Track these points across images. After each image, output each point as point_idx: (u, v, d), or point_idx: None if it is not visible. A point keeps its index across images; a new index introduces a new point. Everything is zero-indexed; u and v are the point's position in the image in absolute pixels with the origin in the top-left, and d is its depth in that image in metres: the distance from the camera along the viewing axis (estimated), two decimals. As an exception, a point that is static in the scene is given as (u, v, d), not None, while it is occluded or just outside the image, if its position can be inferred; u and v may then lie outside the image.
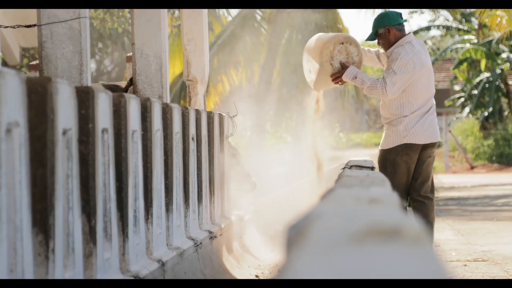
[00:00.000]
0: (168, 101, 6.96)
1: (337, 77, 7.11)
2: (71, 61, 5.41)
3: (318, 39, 7.29)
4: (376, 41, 7.22)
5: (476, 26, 33.19)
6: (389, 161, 7.22)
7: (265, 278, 7.24)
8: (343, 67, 7.11)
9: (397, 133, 7.17)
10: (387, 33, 7.11)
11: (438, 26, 33.93)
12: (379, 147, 7.36)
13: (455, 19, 34.65)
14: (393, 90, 7.00)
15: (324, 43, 7.13)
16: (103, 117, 4.32)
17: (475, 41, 32.62)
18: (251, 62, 21.29)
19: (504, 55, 31.51)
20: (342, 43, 7.14)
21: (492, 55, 30.86)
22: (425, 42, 44.12)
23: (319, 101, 7.72)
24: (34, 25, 5.57)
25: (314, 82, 7.28)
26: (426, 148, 7.26)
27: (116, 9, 18.61)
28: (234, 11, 22.20)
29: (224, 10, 22.40)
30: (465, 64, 32.12)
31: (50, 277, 3.55)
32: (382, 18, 7.16)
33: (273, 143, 23.13)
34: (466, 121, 33.29)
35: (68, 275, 3.78)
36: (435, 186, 7.69)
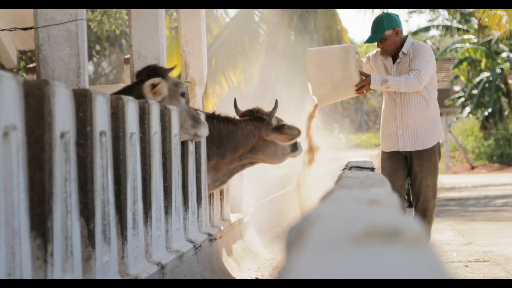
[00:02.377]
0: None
1: (362, 86, 6.99)
2: (68, 63, 5.39)
3: (333, 50, 7.17)
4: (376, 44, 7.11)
5: (476, 26, 33.20)
6: (434, 158, 7.14)
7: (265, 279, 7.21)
8: (365, 76, 7.00)
9: (438, 129, 7.16)
10: (394, 35, 7.04)
11: (437, 26, 33.94)
12: (418, 148, 7.13)
13: (454, 18, 34.66)
14: (427, 75, 6.93)
15: (346, 53, 7.01)
16: (101, 119, 4.30)
17: (475, 40, 32.62)
18: (249, 63, 21.27)
19: (504, 55, 31.50)
20: (356, 53, 7.07)
21: (492, 54, 30.85)
22: (424, 41, 44.24)
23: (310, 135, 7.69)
24: (31, 28, 5.55)
25: (328, 95, 7.14)
26: None
27: (113, 11, 18.58)
28: (232, 12, 22.19)
29: (222, 11, 22.38)
30: (465, 64, 32.11)
31: (48, 281, 3.53)
32: (389, 20, 7.05)
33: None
34: (466, 121, 33.28)
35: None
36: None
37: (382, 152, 7.40)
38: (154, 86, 5.95)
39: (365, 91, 7.04)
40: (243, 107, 7.65)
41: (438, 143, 7.24)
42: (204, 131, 6.35)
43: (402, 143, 7.17)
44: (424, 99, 7.08)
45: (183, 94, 6.22)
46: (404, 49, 7.06)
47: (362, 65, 7.33)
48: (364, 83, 6.96)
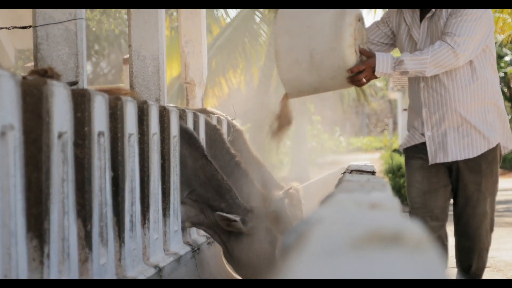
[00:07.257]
0: (166, 104, 6.91)
1: (362, 70, 4.37)
2: (67, 63, 5.36)
3: (319, 13, 4.44)
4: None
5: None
6: (495, 170, 5.16)
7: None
8: (368, 56, 4.41)
9: (495, 127, 5.04)
10: None
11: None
12: (466, 156, 4.87)
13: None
14: (471, 44, 4.50)
15: (341, 18, 4.38)
16: (99, 120, 4.27)
17: (476, 44, 32.63)
18: (250, 65, 21.25)
19: (507, 58, 31.50)
20: (359, 20, 4.50)
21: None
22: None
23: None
24: (29, 27, 5.52)
25: (303, 79, 4.54)
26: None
27: (112, 11, 18.58)
28: (232, 13, 22.21)
29: (223, 11, 22.39)
30: (466, 67, 32.15)
31: (44, 283, 3.50)
32: None
33: (272, 146, 23.14)
34: (467, 125, 33.26)
35: (63, 281, 3.73)
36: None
37: (407, 154, 4.91)
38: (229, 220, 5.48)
39: (364, 80, 4.39)
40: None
41: (499, 145, 5.00)
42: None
43: (433, 151, 4.80)
44: (468, 80, 4.69)
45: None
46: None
47: (375, 34, 4.82)
48: (363, 66, 4.35)
